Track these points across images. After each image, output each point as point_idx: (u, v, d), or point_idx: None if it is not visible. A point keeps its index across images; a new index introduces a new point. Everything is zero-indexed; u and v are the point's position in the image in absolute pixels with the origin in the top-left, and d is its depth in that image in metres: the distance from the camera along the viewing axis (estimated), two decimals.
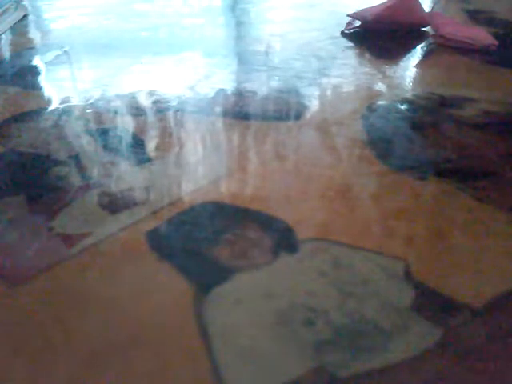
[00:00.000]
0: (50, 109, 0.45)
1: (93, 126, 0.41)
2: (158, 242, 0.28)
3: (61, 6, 0.85)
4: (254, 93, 0.47)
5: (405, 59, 0.57)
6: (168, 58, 0.57)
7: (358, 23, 0.66)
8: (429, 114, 0.43)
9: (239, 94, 0.47)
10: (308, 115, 0.43)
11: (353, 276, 0.25)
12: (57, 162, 0.36)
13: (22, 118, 0.43)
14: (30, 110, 0.45)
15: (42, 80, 0.52)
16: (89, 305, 0.24)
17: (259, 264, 0.26)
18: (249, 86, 0.49)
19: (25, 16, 0.77)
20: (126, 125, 0.41)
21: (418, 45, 0.62)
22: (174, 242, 0.28)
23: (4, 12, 0.73)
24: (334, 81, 0.50)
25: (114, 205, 0.31)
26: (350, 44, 0.61)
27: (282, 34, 0.66)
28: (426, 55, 0.58)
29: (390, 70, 0.53)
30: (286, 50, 0.60)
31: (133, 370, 0.21)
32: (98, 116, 0.43)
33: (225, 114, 0.43)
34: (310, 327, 0.22)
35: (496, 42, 0.59)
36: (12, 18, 0.73)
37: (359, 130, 0.40)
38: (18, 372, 0.21)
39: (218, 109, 0.44)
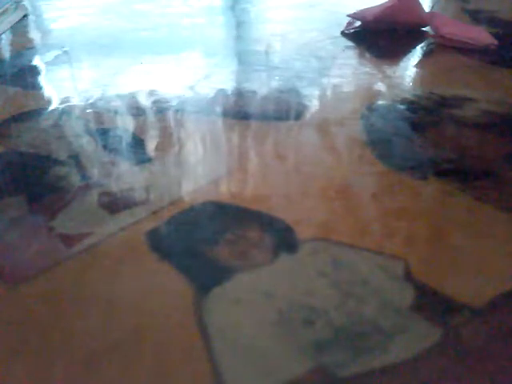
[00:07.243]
0: (50, 109, 0.45)
1: (93, 125, 0.41)
2: (158, 242, 0.28)
3: (61, 6, 0.85)
4: (254, 93, 0.47)
5: (405, 59, 0.57)
6: (168, 58, 0.57)
7: (358, 23, 0.66)
8: (429, 114, 0.43)
9: (239, 93, 0.47)
10: (308, 115, 0.43)
11: (353, 276, 0.25)
12: (57, 162, 0.36)
13: (22, 117, 0.43)
14: (30, 110, 0.45)
15: (42, 80, 0.52)
16: (89, 305, 0.24)
17: (259, 264, 0.26)
18: (249, 85, 0.49)
19: (25, 16, 0.77)
20: (126, 125, 0.41)
21: (417, 45, 0.62)
22: (174, 242, 0.28)
23: (4, 12, 0.73)
24: (334, 81, 0.50)
25: (114, 205, 0.31)
26: (350, 44, 0.61)
27: (282, 34, 0.66)
28: (426, 55, 0.58)
29: (389, 70, 0.53)
30: (286, 50, 0.60)
31: (133, 369, 0.21)
32: (98, 116, 0.43)
33: (225, 114, 0.43)
34: (309, 327, 0.22)
35: (496, 42, 0.59)
36: (12, 17, 0.73)
37: (359, 130, 0.40)
38: (18, 372, 0.21)
39: (218, 109, 0.44)
